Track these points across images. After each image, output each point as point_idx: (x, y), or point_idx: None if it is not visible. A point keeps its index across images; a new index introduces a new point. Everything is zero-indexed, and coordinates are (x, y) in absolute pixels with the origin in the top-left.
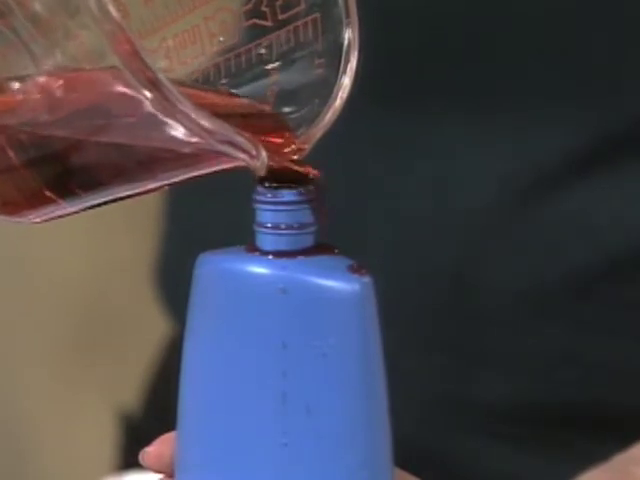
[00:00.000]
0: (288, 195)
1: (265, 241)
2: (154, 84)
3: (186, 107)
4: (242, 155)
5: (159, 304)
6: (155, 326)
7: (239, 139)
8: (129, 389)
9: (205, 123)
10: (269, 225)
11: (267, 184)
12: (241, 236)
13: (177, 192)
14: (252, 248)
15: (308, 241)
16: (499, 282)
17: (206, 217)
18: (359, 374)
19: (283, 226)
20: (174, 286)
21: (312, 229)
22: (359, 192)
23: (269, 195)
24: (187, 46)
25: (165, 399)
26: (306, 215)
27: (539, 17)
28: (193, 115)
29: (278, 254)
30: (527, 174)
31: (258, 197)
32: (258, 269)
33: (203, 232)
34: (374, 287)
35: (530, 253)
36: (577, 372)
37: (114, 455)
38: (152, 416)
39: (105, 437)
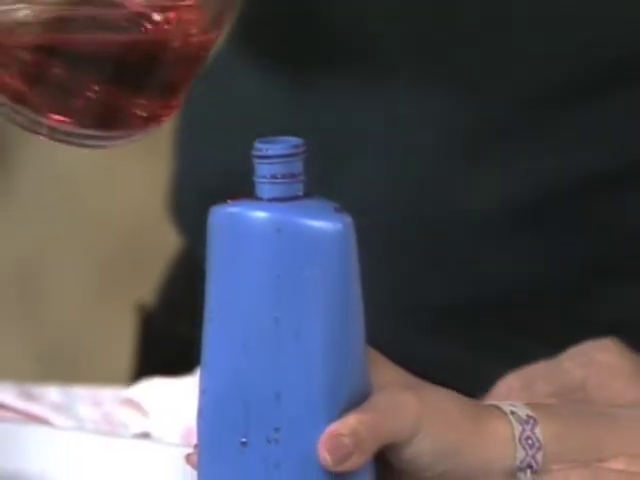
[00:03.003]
0: (282, 149)
1: (263, 190)
2: None
3: None
4: None
5: (172, 223)
6: (168, 241)
7: None
8: (148, 292)
9: None
10: (266, 176)
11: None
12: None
13: (185, 128)
14: (253, 196)
15: (299, 189)
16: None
17: (206, 155)
18: (341, 300)
19: (278, 176)
20: (185, 208)
21: (302, 178)
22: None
23: (265, 150)
24: None
25: (178, 298)
26: (297, 166)
27: None
28: None
29: (274, 200)
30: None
31: (256, 152)
32: (258, 213)
33: (206, 169)
34: (354, 226)
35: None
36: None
37: (134, 352)
38: (167, 313)
39: (127, 337)
